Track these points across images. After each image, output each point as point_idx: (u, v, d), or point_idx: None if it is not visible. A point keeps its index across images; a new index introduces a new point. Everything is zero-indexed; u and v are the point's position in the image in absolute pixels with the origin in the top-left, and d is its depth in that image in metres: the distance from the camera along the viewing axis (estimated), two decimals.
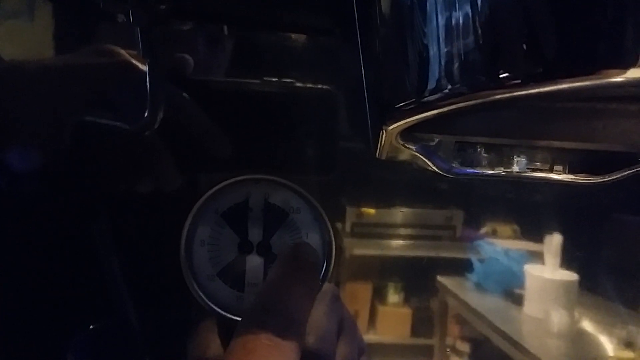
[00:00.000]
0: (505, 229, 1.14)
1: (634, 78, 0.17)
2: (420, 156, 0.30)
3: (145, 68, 0.38)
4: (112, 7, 0.39)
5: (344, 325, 0.35)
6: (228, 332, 0.34)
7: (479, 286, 1.13)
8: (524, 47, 0.19)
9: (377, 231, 1.13)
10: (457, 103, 0.21)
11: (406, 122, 0.24)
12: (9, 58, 0.42)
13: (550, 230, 1.04)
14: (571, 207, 0.92)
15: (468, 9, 0.21)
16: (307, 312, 0.30)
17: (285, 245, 0.36)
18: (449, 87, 0.22)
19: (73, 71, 0.39)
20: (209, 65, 0.49)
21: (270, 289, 0.31)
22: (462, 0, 0.21)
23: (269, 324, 0.27)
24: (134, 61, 0.40)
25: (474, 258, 1.14)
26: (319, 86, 0.44)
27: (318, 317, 0.32)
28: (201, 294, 0.35)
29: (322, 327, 0.32)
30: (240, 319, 0.34)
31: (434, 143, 0.30)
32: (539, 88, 0.19)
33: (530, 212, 1.01)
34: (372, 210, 1.12)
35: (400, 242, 1.14)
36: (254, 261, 0.36)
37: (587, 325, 1.02)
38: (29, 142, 0.39)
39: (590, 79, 0.18)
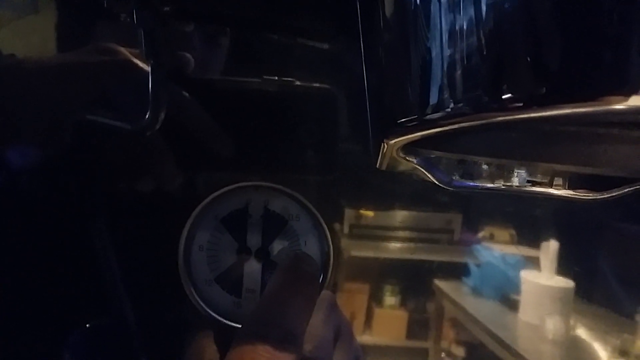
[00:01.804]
0: (502, 233, 1.15)
1: (636, 106, 0.17)
2: (421, 169, 0.30)
3: (146, 67, 0.38)
4: (116, 6, 0.39)
5: (340, 333, 0.36)
6: (224, 337, 0.34)
7: (475, 291, 1.14)
8: (528, 69, 0.19)
9: (375, 233, 1.13)
10: (459, 122, 0.21)
11: (407, 138, 0.24)
12: (12, 54, 0.42)
13: (547, 237, 1.04)
14: (568, 214, 0.92)
15: (472, 27, 0.21)
16: (305, 323, 0.30)
17: (284, 253, 0.36)
18: (452, 105, 0.22)
19: (74, 69, 0.39)
20: (210, 65, 0.49)
21: (269, 300, 0.31)
22: (466, 19, 0.21)
23: (268, 336, 0.28)
24: (135, 60, 0.40)
25: (470, 262, 1.14)
26: (320, 85, 0.44)
27: (315, 325, 0.32)
28: (198, 299, 0.35)
29: (319, 335, 0.33)
30: (236, 324, 0.34)
31: (434, 156, 0.30)
32: (541, 112, 0.19)
33: (528, 218, 1.02)
34: (370, 213, 1.12)
35: (398, 244, 1.14)
36: (252, 267, 0.36)
37: (582, 332, 1.02)
38: (29, 140, 0.39)
39: (593, 105, 0.18)
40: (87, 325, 0.45)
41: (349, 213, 1.11)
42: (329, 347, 0.34)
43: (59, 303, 0.44)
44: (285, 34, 0.46)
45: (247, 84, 0.43)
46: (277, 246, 0.36)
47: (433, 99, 0.23)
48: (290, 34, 0.46)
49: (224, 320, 0.35)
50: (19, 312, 0.43)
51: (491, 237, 1.15)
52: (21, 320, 0.43)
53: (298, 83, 0.44)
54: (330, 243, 0.36)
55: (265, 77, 0.43)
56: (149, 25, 0.37)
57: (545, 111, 0.19)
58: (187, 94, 0.42)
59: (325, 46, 0.46)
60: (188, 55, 0.44)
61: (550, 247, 1.04)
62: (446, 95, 0.22)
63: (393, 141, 0.26)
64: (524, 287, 1.06)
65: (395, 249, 1.14)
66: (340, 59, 0.47)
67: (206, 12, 0.43)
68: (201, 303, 0.35)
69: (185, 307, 0.36)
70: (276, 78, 0.43)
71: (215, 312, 0.35)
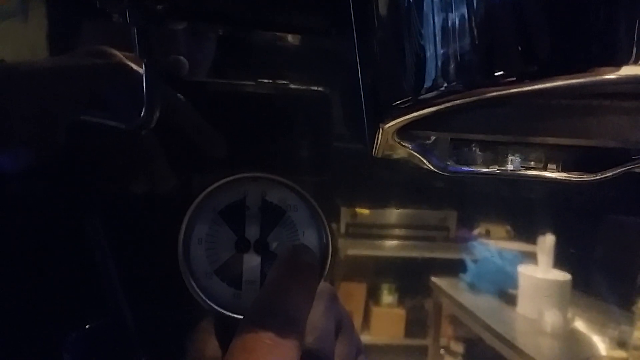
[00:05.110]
0: (498, 229, 1.15)
1: (628, 75, 0.17)
2: (416, 154, 0.30)
3: (139, 69, 0.38)
4: (108, 6, 0.39)
5: (342, 325, 0.36)
6: (225, 329, 0.34)
7: (473, 287, 1.14)
8: (519, 45, 0.19)
9: (372, 232, 1.14)
10: (453, 101, 0.21)
11: (403, 120, 0.25)
12: (3, 58, 0.42)
13: (543, 231, 1.05)
14: (564, 207, 0.93)
15: (464, 9, 0.21)
16: (306, 312, 0.30)
17: (283, 244, 0.36)
18: (445, 85, 0.22)
19: (67, 72, 0.39)
20: (199, 63, 0.49)
21: (270, 290, 0.31)
22: (458, 1, 0.21)
23: (270, 324, 0.28)
24: (128, 62, 0.40)
25: (467, 259, 1.14)
26: (313, 88, 0.44)
27: (317, 317, 0.33)
28: (198, 292, 0.35)
29: (320, 327, 0.33)
30: (237, 316, 0.35)
31: (429, 141, 0.30)
32: (533, 85, 0.19)
33: (524, 212, 1.02)
34: (366, 211, 1.13)
35: (394, 242, 1.14)
36: (251, 259, 0.36)
37: (580, 325, 1.02)
38: (23, 142, 0.39)
39: (584, 77, 0.18)
40: (87, 326, 0.45)
41: (344, 212, 1.11)
42: (330, 339, 0.34)
43: (58, 304, 0.44)
44: (277, 30, 0.46)
45: (242, 86, 0.43)
46: (276, 237, 0.36)
47: (427, 80, 0.23)
48: (283, 30, 0.47)
49: (225, 312, 0.35)
50: (18, 313, 0.43)
51: (487, 233, 1.15)
52: (20, 321, 0.43)
53: (292, 86, 0.44)
54: (329, 233, 0.36)
55: (259, 80, 0.44)
56: (142, 24, 0.37)
57: (538, 84, 0.19)
58: (181, 96, 0.42)
59: (317, 39, 0.46)
60: (182, 58, 0.44)
61: (547, 241, 1.05)
62: (440, 76, 0.22)
63: (388, 125, 0.26)
64: (521, 281, 1.07)
65: (391, 247, 1.14)
66: (333, 57, 0.47)
67: (199, 9, 0.43)
68: (201, 295, 0.35)
69: (186, 303, 0.36)
70: (270, 81, 0.44)
71: (215, 305, 0.35)
